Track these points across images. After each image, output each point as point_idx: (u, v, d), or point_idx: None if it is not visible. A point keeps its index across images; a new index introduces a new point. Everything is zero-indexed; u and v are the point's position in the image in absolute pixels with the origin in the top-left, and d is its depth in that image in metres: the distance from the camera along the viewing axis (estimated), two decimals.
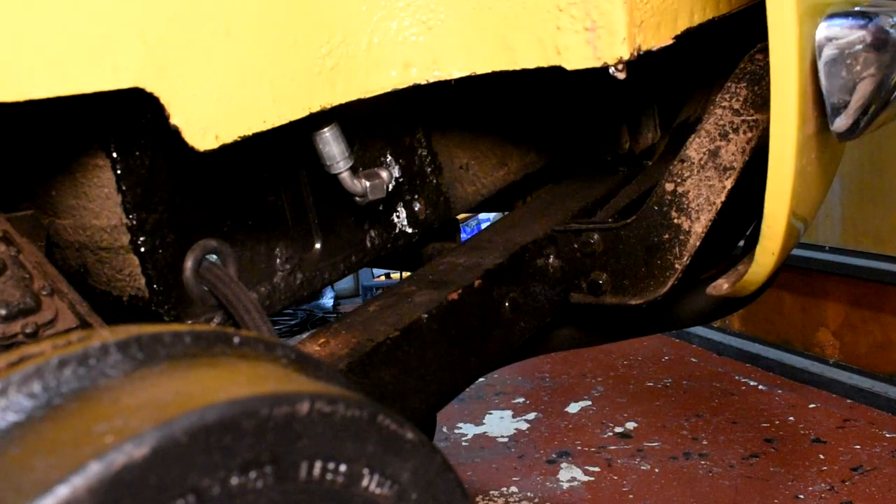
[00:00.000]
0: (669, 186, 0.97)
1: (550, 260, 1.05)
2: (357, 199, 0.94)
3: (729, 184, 0.95)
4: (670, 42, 0.82)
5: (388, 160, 1.02)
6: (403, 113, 1.03)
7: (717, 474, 2.53)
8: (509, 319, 1.00)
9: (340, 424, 0.36)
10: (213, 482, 0.32)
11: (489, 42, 0.79)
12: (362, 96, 0.76)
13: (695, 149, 0.97)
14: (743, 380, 3.17)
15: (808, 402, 2.91)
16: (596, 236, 1.02)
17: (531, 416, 3.29)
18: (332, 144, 0.85)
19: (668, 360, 3.48)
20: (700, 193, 0.96)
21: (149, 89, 0.59)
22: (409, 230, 1.05)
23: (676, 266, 0.97)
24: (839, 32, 0.80)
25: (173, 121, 0.61)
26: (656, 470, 2.74)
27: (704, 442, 2.76)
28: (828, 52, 0.80)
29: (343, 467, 0.36)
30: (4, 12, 0.52)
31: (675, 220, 0.97)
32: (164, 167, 0.75)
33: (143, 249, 0.73)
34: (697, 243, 0.96)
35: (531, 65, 0.78)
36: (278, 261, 0.89)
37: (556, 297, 1.05)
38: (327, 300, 5.02)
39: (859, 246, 2.97)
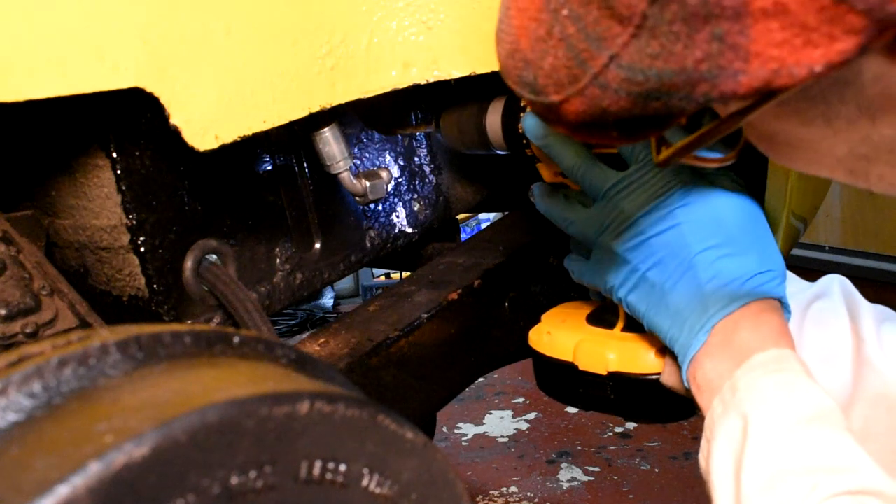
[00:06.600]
0: None
1: (551, 259, 1.05)
2: (357, 199, 0.94)
3: None
4: None
5: (387, 160, 1.02)
6: (403, 112, 1.03)
7: None
8: (509, 319, 1.00)
9: (340, 424, 0.36)
10: (213, 482, 0.32)
11: (489, 42, 0.78)
12: (362, 96, 0.76)
13: None
14: None
15: None
16: None
17: (531, 416, 3.29)
18: (331, 144, 0.85)
19: None
20: None
21: (149, 89, 0.59)
22: (409, 230, 1.06)
23: None
24: None
25: (173, 121, 0.61)
26: (656, 470, 2.74)
27: None
28: None
29: (343, 467, 0.36)
30: (3, 12, 0.52)
31: None
32: (163, 167, 0.75)
33: (143, 249, 0.73)
34: None
35: None
36: (278, 261, 0.89)
37: (557, 297, 1.05)
38: (327, 300, 5.03)
39: (859, 246, 2.97)
